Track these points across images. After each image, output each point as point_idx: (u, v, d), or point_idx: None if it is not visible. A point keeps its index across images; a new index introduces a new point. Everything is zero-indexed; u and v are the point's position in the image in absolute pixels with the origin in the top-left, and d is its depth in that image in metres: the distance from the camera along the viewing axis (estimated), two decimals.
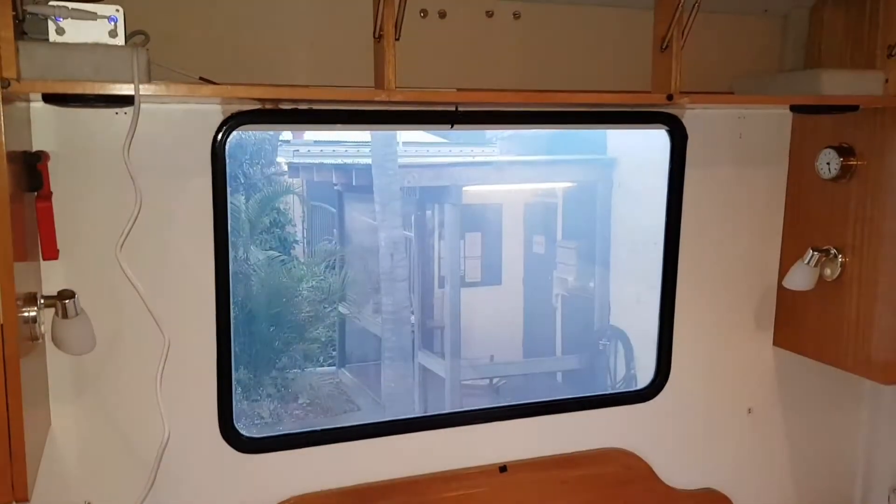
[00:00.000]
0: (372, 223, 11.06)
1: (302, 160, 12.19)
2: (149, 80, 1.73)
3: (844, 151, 2.53)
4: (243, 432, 2.33)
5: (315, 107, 2.21)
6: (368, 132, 9.79)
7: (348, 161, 11.69)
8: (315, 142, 11.95)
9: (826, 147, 2.57)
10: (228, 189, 2.20)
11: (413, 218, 11.48)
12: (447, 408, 10.87)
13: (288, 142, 12.06)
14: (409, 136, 11.36)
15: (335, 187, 12.32)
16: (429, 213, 11.60)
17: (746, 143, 2.73)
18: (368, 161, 10.88)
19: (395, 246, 10.72)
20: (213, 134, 2.14)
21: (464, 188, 11.17)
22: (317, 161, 12.07)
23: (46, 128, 2.00)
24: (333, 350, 12.14)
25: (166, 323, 2.08)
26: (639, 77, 2.32)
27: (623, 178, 9.41)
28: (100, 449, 2.19)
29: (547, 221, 12.24)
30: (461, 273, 11.48)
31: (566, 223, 11.95)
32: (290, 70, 2.23)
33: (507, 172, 11.64)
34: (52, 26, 1.67)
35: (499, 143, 11.94)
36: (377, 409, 10.80)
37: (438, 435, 2.55)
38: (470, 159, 11.59)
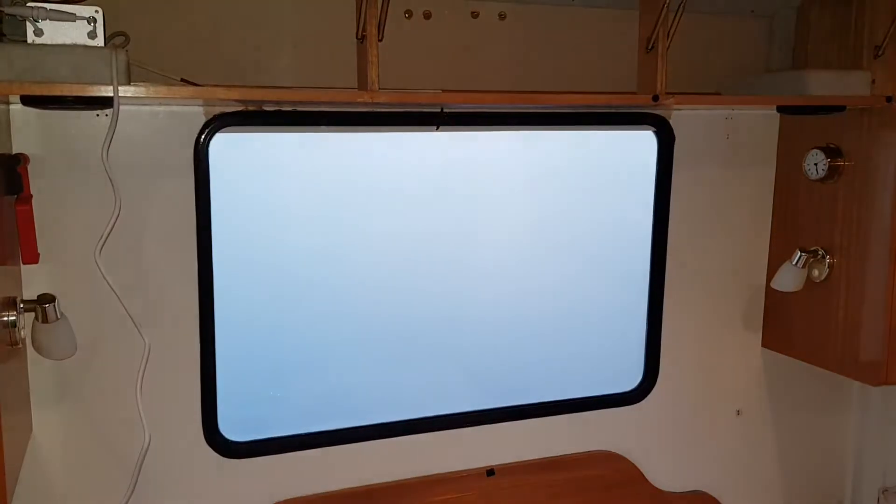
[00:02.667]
0: None
1: None
2: (128, 81, 1.71)
3: (831, 152, 2.53)
4: (230, 437, 2.31)
5: (299, 108, 2.19)
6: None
7: None
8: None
9: (813, 148, 2.57)
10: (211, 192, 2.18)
11: None
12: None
13: None
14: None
15: None
16: None
17: (734, 144, 2.73)
18: None
19: None
20: (195, 136, 2.12)
21: None
22: None
23: (26, 130, 1.98)
24: None
25: (147, 327, 2.07)
26: (626, 78, 2.31)
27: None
28: (82, 455, 2.17)
29: None
30: None
31: None
32: (273, 71, 2.21)
33: None
34: (30, 28, 1.65)
35: None
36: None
37: (425, 438, 2.53)
38: None
